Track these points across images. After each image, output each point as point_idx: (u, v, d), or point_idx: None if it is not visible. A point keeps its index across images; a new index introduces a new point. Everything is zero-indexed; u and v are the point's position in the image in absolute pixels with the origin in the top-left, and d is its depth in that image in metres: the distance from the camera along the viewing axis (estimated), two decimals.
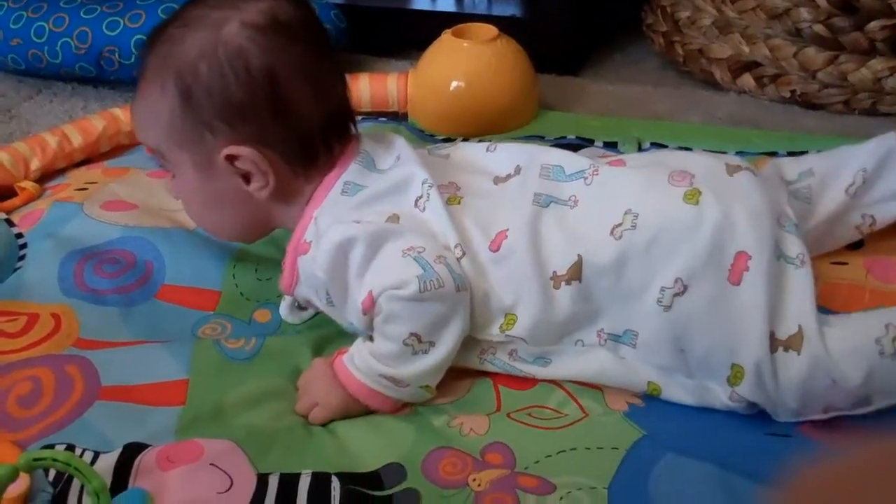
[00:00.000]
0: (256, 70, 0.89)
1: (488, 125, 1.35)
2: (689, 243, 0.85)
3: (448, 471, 0.82)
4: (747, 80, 1.51)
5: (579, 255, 0.88)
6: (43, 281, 1.06)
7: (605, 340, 0.89)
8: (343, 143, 0.96)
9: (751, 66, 1.50)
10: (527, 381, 0.92)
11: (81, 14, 1.49)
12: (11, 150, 1.25)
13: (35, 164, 1.26)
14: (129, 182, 1.23)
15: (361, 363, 0.89)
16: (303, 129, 0.92)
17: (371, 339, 0.90)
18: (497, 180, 0.97)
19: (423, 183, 0.93)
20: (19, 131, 1.46)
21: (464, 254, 0.89)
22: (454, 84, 1.36)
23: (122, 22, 1.47)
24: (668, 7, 1.61)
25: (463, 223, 0.91)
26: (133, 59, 1.46)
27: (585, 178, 0.93)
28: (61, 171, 1.29)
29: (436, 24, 1.43)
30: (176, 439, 0.85)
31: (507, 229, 0.90)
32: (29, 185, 1.23)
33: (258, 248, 1.11)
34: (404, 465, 0.83)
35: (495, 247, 0.90)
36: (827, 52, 1.43)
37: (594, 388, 0.91)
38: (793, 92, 1.47)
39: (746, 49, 1.50)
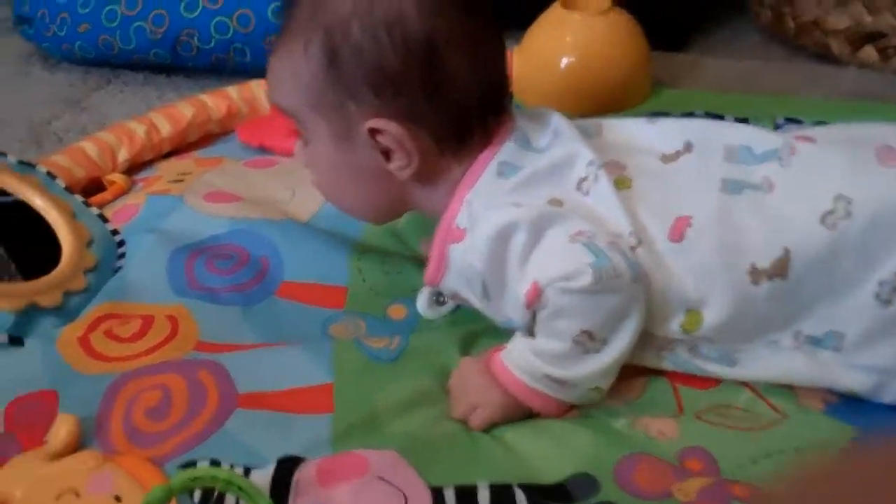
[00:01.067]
0: (414, 35, 0.79)
1: (603, 103, 1.24)
2: None
3: (646, 480, 0.72)
4: (869, 52, 1.41)
5: (786, 249, 0.77)
6: (152, 280, 0.96)
7: (802, 343, 0.79)
8: (498, 120, 0.85)
9: (874, 36, 1.40)
10: (708, 380, 0.82)
11: None
12: (97, 140, 1.16)
13: (123, 155, 1.16)
14: (226, 172, 1.14)
15: (523, 362, 0.79)
16: (458, 105, 0.82)
17: (531, 333, 0.80)
18: (665, 159, 0.85)
19: (588, 164, 0.83)
20: (92, 124, 1.36)
21: (639, 242, 0.79)
22: (565, 60, 1.26)
23: (201, 3, 1.37)
24: None
25: (635, 208, 0.81)
26: (213, 43, 1.37)
27: (781, 159, 0.81)
28: (149, 163, 1.19)
29: None
30: (333, 451, 0.75)
31: (691, 217, 0.79)
32: (118, 177, 1.13)
33: (382, 241, 1.01)
34: (594, 475, 0.73)
35: (677, 235, 0.79)
36: None
37: (783, 386, 0.81)
38: None
39: (869, 19, 1.39)
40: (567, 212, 0.79)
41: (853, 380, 0.78)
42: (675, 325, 0.80)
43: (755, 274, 0.77)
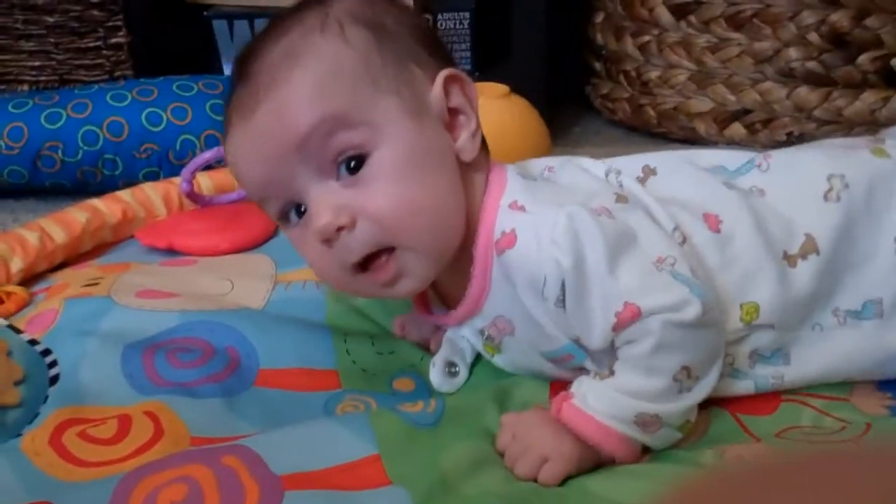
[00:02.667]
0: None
1: None
2: None
3: None
4: (737, 129, 1.47)
5: (807, 234, 0.77)
6: (110, 382, 0.81)
7: (844, 319, 0.77)
8: None
9: (739, 114, 1.46)
10: (766, 404, 0.78)
11: (10, 109, 1.25)
12: None
13: (17, 265, 1.00)
14: (146, 273, 1.00)
15: (608, 405, 0.71)
16: None
17: (594, 361, 0.74)
18: (639, 179, 0.80)
19: (606, 171, 0.79)
20: None
21: (684, 240, 0.75)
22: None
23: (64, 113, 1.24)
24: (633, 71, 1.56)
25: (666, 203, 0.77)
26: (80, 156, 1.23)
27: (759, 166, 0.81)
28: (40, 276, 1.04)
29: None
30: None
31: (717, 214, 0.76)
32: (16, 288, 0.97)
33: (348, 323, 0.92)
34: None
35: (714, 227, 0.76)
36: (820, 89, 1.41)
37: (838, 399, 0.78)
38: (789, 134, 1.43)
39: (733, 98, 1.46)
40: (636, 220, 0.73)
41: None
42: (736, 324, 0.76)
43: (789, 258, 0.76)
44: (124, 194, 1.13)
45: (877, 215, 0.77)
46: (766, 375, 0.78)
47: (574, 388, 0.73)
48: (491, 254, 0.75)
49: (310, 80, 0.71)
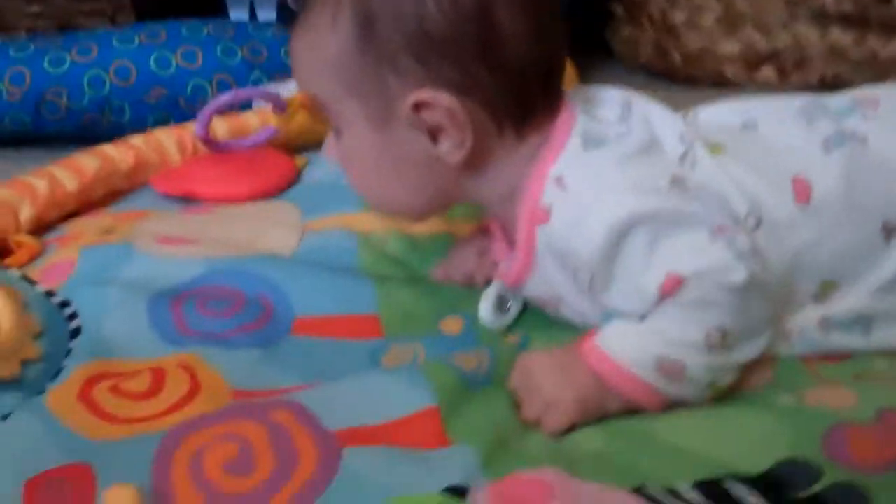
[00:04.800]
0: None
1: None
2: None
3: (869, 451, 0.61)
4: (767, 72, 1.41)
5: None
6: (137, 334, 0.76)
7: None
8: (559, 94, 0.73)
9: (769, 56, 1.40)
10: (837, 356, 0.72)
11: (11, 53, 1.18)
12: None
13: (26, 214, 0.94)
14: (165, 220, 0.94)
15: (629, 345, 0.67)
16: (517, 72, 0.69)
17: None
18: (744, 129, 0.75)
19: (679, 137, 0.72)
20: None
21: (759, 223, 0.69)
22: None
23: (69, 57, 1.17)
24: (658, 13, 1.49)
25: (742, 177, 0.70)
26: (86, 101, 1.17)
27: (865, 110, 0.74)
28: (51, 225, 0.98)
29: None
30: (488, 477, 0.59)
31: (808, 179, 0.70)
32: (27, 238, 0.91)
33: (384, 269, 0.87)
34: (804, 458, 0.61)
35: (803, 197, 0.70)
36: (854, 31, 1.36)
37: None
38: (821, 77, 1.38)
39: (763, 40, 1.40)
40: (698, 210, 0.67)
41: None
42: (808, 306, 0.71)
43: (888, 231, 0.70)
44: (136, 140, 1.07)
45: None
46: (839, 343, 0.72)
47: (601, 330, 0.68)
48: (534, 229, 0.70)
49: (306, 54, 0.73)
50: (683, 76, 1.49)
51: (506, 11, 0.68)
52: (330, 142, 0.76)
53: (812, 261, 0.70)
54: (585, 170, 0.69)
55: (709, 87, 1.46)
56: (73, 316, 0.79)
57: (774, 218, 0.69)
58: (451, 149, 0.70)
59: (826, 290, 0.71)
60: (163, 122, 1.21)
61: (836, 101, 0.76)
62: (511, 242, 0.76)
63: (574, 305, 0.74)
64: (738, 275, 0.64)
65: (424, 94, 0.68)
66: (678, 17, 1.47)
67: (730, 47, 1.43)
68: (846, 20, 1.35)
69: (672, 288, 0.64)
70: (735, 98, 0.80)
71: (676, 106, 0.81)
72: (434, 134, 0.70)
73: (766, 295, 0.67)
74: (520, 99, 0.70)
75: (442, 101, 0.68)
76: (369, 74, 0.69)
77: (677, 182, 0.69)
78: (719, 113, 0.78)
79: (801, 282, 0.70)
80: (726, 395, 0.68)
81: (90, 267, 0.85)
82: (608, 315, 0.70)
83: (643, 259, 0.66)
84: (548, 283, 0.73)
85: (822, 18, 1.36)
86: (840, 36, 1.36)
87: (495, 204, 0.75)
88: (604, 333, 0.68)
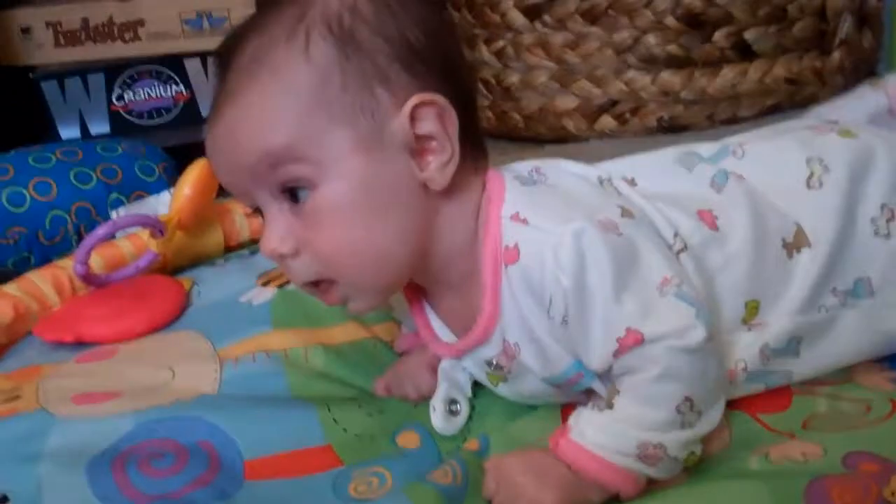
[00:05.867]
0: (430, 9, 0.70)
1: None
2: (877, 170, 0.78)
3: (849, 499, 0.64)
4: (606, 121, 1.47)
5: (796, 223, 0.76)
6: None
7: (844, 299, 0.77)
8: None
9: (606, 106, 1.47)
10: (779, 400, 0.77)
11: None
12: None
13: None
14: (66, 374, 0.89)
15: (606, 436, 0.67)
16: (470, 93, 0.73)
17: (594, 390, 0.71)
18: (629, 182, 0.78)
19: (598, 173, 0.76)
20: None
21: (684, 247, 0.72)
22: None
23: None
24: (492, 78, 1.53)
25: (661, 207, 0.74)
26: None
27: (734, 153, 0.80)
28: None
29: None
30: None
31: (711, 209, 0.75)
32: None
33: (323, 390, 0.85)
34: None
35: (711, 225, 0.74)
36: (682, 71, 1.43)
37: (841, 382, 0.78)
38: (659, 119, 1.45)
39: (598, 91, 1.46)
40: (644, 237, 0.69)
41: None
42: (741, 328, 0.74)
43: (788, 247, 0.75)
44: (9, 288, 1.01)
45: (854, 196, 0.77)
46: (777, 372, 0.76)
47: (572, 420, 0.69)
48: (499, 273, 0.70)
49: (260, 104, 0.68)
50: (526, 135, 1.53)
51: (453, 34, 0.73)
52: (276, 228, 0.70)
53: (730, 281, 0.74)
54: (538, 203, 0.71)
55: (552, 142, 1.51)
56: (3, 500, 0.74)
57: (692, 243, 0.73)
58: (441, 165, 0.69)
59: (751, 310, 0.74)
60: (23, 262, 1.15)
61: (705, 147, 0.81)
62: (452, 321, 0.77)
63: (529, 357, 0.73)
64: (698, 334, 0.65)
65: (425, 97, 0.68)
66: (512, 78, 1.51)
67: (567, 102, 1.48)
68: (673, 62, 1.43)
69: (629, 347, 0.65)
70: (611, 158, 0.84)
71: None
72: (421, 156, 0.70)
73: (717, 351, 0.69)
74: (475, 121, 0.73)
75: (439, 100, 0.68)
76: (356, 92, 0.68)
77: (626, 213, 0.71)
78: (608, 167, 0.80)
79: (726, 303, 0.74)
80: (695, 466, 0.70)
81: (7, 442, 0.79)
82: (578, 365, 0.71)
83: (614, 298, 0.66)
84: (513, 328, 0.73)
85: (651, 64, 1.43)
86: (670, 78, 1.43)
87: (453, 260, 0.74)
88: (576, 427, 0.68)
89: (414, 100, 0.68)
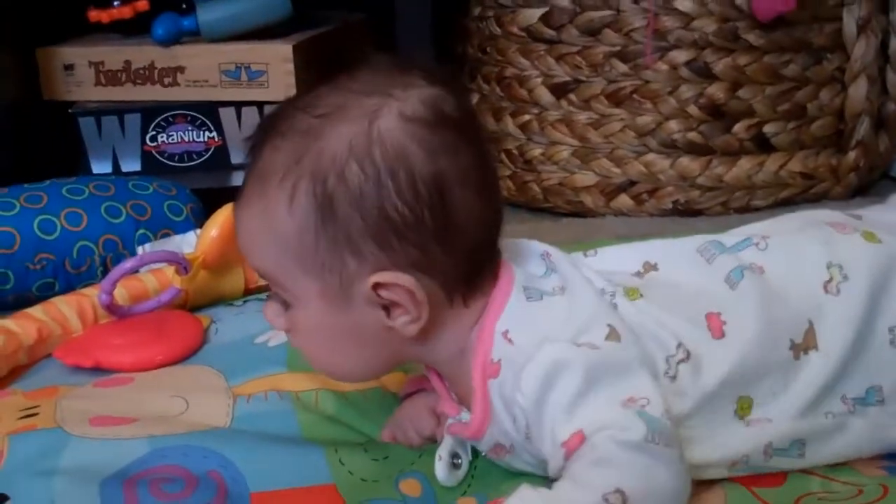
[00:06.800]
0: (422, 178, 0.69)
1: None
2: None
3: None
4: (623, 200, 1.51)
5: (809, 321, 0.77)
6: None
7: (853, 407, 0.78)
8: (499, 254, 0.77)
9: (625, 186, 1.50)
10: (774, 477, 0.78)
11: None
12: None
13: None
14: (85, 397, 0.92)
15: None
16: (471, 246, 0.73)
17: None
18: (639, 274, 0.82)
19: (602, 291, 0.77)
20: None
21: (686, 356, 0.75)
22: None
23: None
24: (515, 149, 1.57)
25: (660, 316, 0.76)
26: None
27: (757, 244, 0.82)
28: None
29: None
30: None
31: (720, 312, 0.77)
32: None
33: (329, 433, 0.87)
34: None
35: (717, 333, 0.76)
36: (701, 158, 1.47)
37: (837, 464, 0.80)
38: (675, 202, 1.48)
39: (617, 170, 1.50)
40: (625, 361, 0.72)
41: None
42: (729, 418, 0.76)
43: (795, 348, 0.77)
44: (36, 311, 1.04)
45: (874, 303, 0.78)
46: (777, 467, 0.78)
47: (515, 496, 0.68)
48: (486, 382, 0.74)
49: (255, 228, 0.74)
50: (544, 207, 1.57)
51: (458, 193, 0.71)
52: (272, 308, 0.77)
53: (724, 376, 0.75)
54: (529, 323, 0.73)
55: (568, 216, 1.55)
56: (4, 498, 0.76)
57: (697, 352, 0.75)
58: (407, 322, 0.72)
59: (743, 405, 0.76)
60: (48, 287, 1.18)
61: (730, 237, 0.83)
62: (459, 396, 0.79)
63: (522, 455, 0.76)
64: (638, 432, 0.66)
65: (385, 276, 0.70)
66: (535, 152, 1.55)
67: (586, 179, 1.52)
68: (693, 149, 1.47)
69: (575, 445, 0.67)
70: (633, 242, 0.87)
71: (541, 236, 0.85)
72: (389, 309, 0.72)
73: (671, 469, 0.67)
74: (471, 270, 0.74)
75: (402, 281, 0.70)
76: (327, 255, 0.70)
77: (612, 336, 0.73)
78: (620, 254, 0.84)
79: (716, 395, 0.75)
80: None
81: (23, 456, 0.81)
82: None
83: (566, 414, 0.69)
84: (502, 434, 0.75)
85: (671, 148, 1.47)
86: (688, 164, 1.47)
87: (443, 364, 0.78)
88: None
89: (372, 279, 0.70)
